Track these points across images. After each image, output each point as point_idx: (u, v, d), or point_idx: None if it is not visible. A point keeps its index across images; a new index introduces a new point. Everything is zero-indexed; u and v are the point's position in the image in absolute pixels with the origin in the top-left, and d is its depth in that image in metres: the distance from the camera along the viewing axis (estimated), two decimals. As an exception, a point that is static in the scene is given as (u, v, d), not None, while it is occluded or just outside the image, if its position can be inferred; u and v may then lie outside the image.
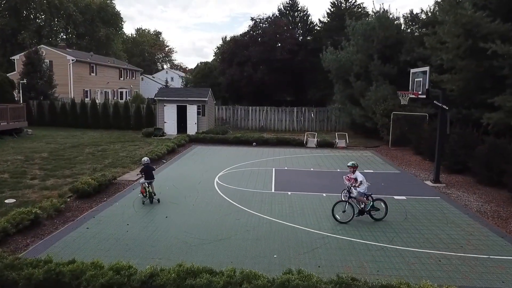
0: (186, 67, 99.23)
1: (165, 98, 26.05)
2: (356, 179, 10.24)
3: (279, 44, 41.22)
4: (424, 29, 23.04)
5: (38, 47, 41.75)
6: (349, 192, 10.49)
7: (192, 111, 26.01)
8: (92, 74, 46.22)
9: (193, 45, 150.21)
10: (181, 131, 26.60)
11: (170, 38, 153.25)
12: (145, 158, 11.55)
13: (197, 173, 14.74)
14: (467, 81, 15.33)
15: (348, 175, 10.95)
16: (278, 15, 45.58)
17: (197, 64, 52.80)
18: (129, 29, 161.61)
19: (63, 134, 25.51)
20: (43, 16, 62.86)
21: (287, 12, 46.84)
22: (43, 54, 41.19)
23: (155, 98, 26.81)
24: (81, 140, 22.91)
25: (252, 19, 44.05)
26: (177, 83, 70.50)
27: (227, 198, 11.35)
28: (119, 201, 10.99)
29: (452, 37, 15.06)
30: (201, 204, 10.79)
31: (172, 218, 9.63)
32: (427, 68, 12.73)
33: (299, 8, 46.74)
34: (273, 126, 31.33)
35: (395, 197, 11.94)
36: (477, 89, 15.54)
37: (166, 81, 70.24)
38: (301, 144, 22.28)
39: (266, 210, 10.34)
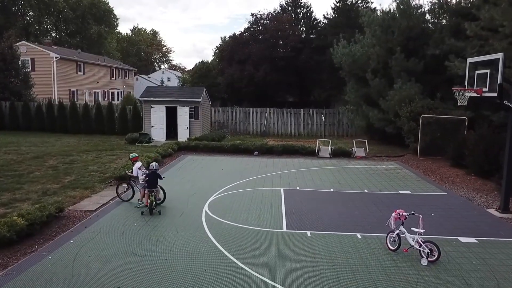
0: (185, 68, 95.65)
1: (152, 99, 22.44)
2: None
3: (282, 42, 38.50)
4: (455, 18, 19.47)
5: (19, 43, 38.29)
6: (399, 236, 7.17)
7: (183, 114, 22.39)
8: (79, 73, 42.64)
9: (194, 46, 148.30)
10: (171, 137, 23.01)
11: (170, 40, 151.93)
12: (154, 164, 10.06)
13: (181, 197, 11.11)
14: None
15: (399, 211, 7.40)
16: (280, 11, 42.46)
17: (195, 64, 49.34)
18: (127, 29, 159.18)
19: (33, 140, 21.88)
20: (31, 13, 59.48)
21: (289, 8, 43.81)
22: (24, 51, 37.85)
23: (140, 99, 23.19)
24: (51, 148, 19.28)
25: (252, 14, 40.85)
26: (174, 84, 66.88)
27: (218, 246, 7.71)
28: (56, 251, 7.36)
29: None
30: (178, 257, 7.16)
31: (128, 289, 6.02)
32: (499, 55, 9.09)
33: (302, 4, 43.58)
34: (276, 130, 27.72)
35: (461, 239, 8.31)
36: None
37: (162, 81, 66.85)
38: (312, 154, 18.65)
39: (279, 271, 6.70)
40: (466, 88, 10.56)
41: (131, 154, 11.01)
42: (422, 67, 20.43)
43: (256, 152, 18.65)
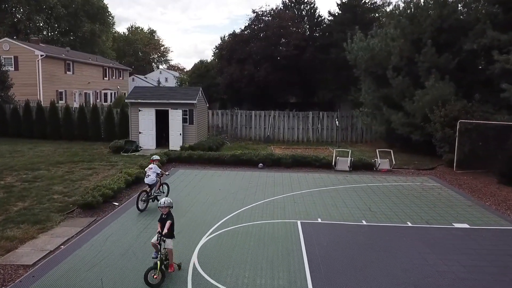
0: (184, 68, 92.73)
1: (139, 101, 19.42)
2: None
3: (284, 40, 36.26)
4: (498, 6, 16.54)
5: (0, 40, 35.44)
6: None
7: (176, 118, 19.37)
8: (68, 72, 39.70)
9: (195, 47, 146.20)
10: (162, 145, 20.02)
11: (171, 41, 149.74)
12: (166, 200, 6.70)
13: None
14: None
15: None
16: (282, 8, 39.93)
17: (194, 64, 46.62)
18: (125, 29, 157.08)
19: (2, 149, 18.88)
20: (22, 10, 56.56)
21: (292, 5, 41.17)
22: (7, 49, 34.98)
23: (126, 101, 20.16)
24: (17, 160, 16.28)
25: (253, 11, 38.13)
26: (171, 84, 63.92)
27: None
28: None
29: None
30: None
31: None
32: None
33: (305, 1, 40.75)
34: (282, 135, 24.71)
35: None
36: None
37: (158, 82, 63.89)
38: (327, 166, 15.63)
39: None
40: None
41: (154, 156, 10.79)
42: (455, 64, 17.47)
43: (260, 164, 15.65)
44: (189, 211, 9.85)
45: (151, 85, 54.66)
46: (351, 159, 15.48)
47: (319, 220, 9.33)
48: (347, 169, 15.23)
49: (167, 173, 11.41)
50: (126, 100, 20.20)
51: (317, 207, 10.40)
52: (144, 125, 19.55)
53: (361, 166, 15.60)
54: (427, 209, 10.42)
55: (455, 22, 18.34)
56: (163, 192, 10.74)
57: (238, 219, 9.29)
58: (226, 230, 8.56)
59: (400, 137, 19.61)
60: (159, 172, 10.27)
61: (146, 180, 10.05)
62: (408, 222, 9.32)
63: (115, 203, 10.35)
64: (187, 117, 19.32)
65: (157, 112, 19.58)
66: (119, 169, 14.64)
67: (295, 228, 8.73)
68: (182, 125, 19.32)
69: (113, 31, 74.67)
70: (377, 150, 16.42)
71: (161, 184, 10.76)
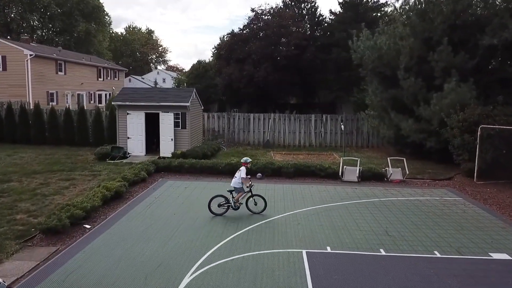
0: (183, 69, 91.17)
1: (127, 103, 17.84)
2: None
3: (284, 39, 35.17)
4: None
5: (-13, 39, 33.94)
6: None
7: (167, 122, 17.80)
8: (59, 73, 38.11)
9: (195, 48, 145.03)
10: (153, 151, 18.47)
11: (171, 41, 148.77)
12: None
13: (137, 274, 6.53)
14: None
15: None
16: (282, 7, 38.71)
17: (192, 64, 45.11)
18: (122, 29, 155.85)
19: (-23, 156, 17.34)
20: (14, 9, 55.03)
21: (293, 3, 39.86)
22: (-6, 48, 33.43)
23: (113, 104, 18.57)
24: (-10, 169, 14.72)
25: (252, 10, 36.72)
26: (169, 85, 62.39)
27: None
28: None
29: None
30: None
31: None
32: None
33: (306, -1, 39.31)
34: (282, 140, 23.12)
35: None
36: None
37: (155, 83, 62.40)
38: (333, 176, 14.04)
39: None
40: None
41: (245, 159, 10.06)
42: (474, 64, 15.92)
43: (259, 174, 14.06)
44: (173, 238, 8.26)
45: (148, 86, 53.09)
46: (359, 169, 13.89)
47: (329, 249, 7.74)
48: (356, 179, 13.65)
49: (250, 182, 9.84)
50: (113, 103, 18.61)
51: (325, 230, 8.81)
52: (133, 130, 17.97)
53: (370, 176, 14.01)
54: (454, 233, 8.84)
55: (470, 17, 16.87)
56: (257, 211, 9.84)
57: (231, 249, 7.70)
58: (215, 265, 6.98)
59: (411, 143, 18.03)
60: (244, 176, 9.55)
61: (232, 183, 9.75)
62: (436, 252, 7.74)
63: (86, 226, 8.76)
64: (179, 120, 17.73)
65: (147, 115, 18.00)
66: (102, 180, 13.12)
67: (299, 261, 7.15)
68: (174, 129, 17.73)
69: (110, 31, 73.20)
70: (388, 158, 14.81)
71: (252, 196, 9.85)
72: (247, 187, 9.73)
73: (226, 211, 9.66)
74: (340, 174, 13.87)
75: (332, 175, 14.01)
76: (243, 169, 9.70)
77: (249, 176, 9.79)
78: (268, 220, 9.46)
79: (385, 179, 14.05)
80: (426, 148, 17.06)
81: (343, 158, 14.55)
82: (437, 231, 8.92)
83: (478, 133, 13.70)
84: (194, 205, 10.58)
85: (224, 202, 9.62)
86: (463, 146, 14.19)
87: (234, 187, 9.72)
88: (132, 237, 8.19)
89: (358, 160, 14.19)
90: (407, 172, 14.20)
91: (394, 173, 14.07)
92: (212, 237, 8.24)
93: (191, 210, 10.15)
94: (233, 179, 9.79)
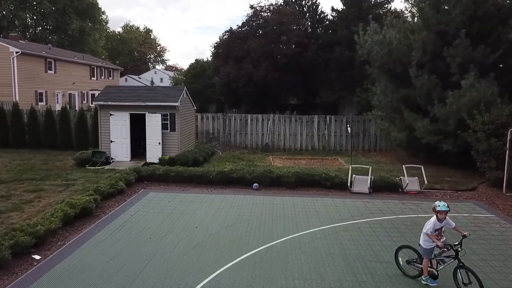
0: (182, 68, 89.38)
1: (110, 103, 16.04)
2: None
3: (284, 37, 34.02)
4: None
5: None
6: None
7: (154, 124, 16.01)
8: (49, 71, 36.38)
9: (195, 48, 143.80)
10: (139, 155, 16.68)
11: (171, 42, 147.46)
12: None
13: None
14: None
15: None
16: (282, 3, 37.33)
17: (190, 64, 43.66)
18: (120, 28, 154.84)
19: None
20: (6, 6, 53.26)
21: (293, 0, 38.04)
22: (-21, 45, 31.69)
23: (94, 104, 16.77)
24: (-51, 177, 12.94)
25: (251, 6, 35.09)
26: (167, 84, 60.64)
27: None
28: None
29: None
30: None
31: None
32: None
33: (307, -4, 37.82)
34: (283, 143, 21.31)
35: None
36: None
37: (152, 82, 60.64)
38: (340, 187, 12.23)
39: None
40: None
41: (439, 204, 5.90)
42: (495, 59, 14.16)
43: (255, 184, 12.26)
44: (142, 273, 6.46)
45: (144, 85, 51.37)
46: (371, 178, 12.09)
47: (342, 294, 5.94)
48: (367, 191, 11.84)
49: (445, 238, 6.00)
50: (94, 103, 16.83)
51: (336, 262, 7.01)
52: (117, 133, 16.17)
53: (383, 187, 12.21)
54: (498, 265, 7.04)
55: (492, 7, 15.09)
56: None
57: (215, 292, 5.91)
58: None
59: (424, 146, 16.25)
60: (429, 232, 5.91)
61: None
62: (482, 297, 5.92)
63: (35, 257, 6.96)
64: (168, 122, 15.94)
65: (133, 116, 16.22)
66: (75, 191, 11.36)
67: (304, 313, 5.36)
68: (162, 132, 15.95)
69: (107, 30, 71.45)
70: (403, 166, 13.00)
71: (459, 268, 5.87)
72: (441, 248, 5.88)
73: (420, 275, 6.28)
74: (348, 184, 12.05)
75: (339, 185, 12.19)
76: (432, 220, 5.99)
77: (437, 232, 5.96)
78: (264, 247, 7.66)
79: (400, 190, 12.25)
80: (442, 152, 15.30)
81: (352, 166, 12.71)
82: (474, 261, 7.09)
83: (508, 137, 11.92)
84: (175, 226, 8.78)
85: (416, 260, 6.40)
86: (489, 152, 12.38)
87: (420, 247, 6.25)
88: (89, 274, 6.41)
89: (370, 168, 12.36)
90: (426, 182, 12.38)
91: (410, 183, 12.26)
92: (189, 275, 6.43)
93: (171, 232, 8.36)
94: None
